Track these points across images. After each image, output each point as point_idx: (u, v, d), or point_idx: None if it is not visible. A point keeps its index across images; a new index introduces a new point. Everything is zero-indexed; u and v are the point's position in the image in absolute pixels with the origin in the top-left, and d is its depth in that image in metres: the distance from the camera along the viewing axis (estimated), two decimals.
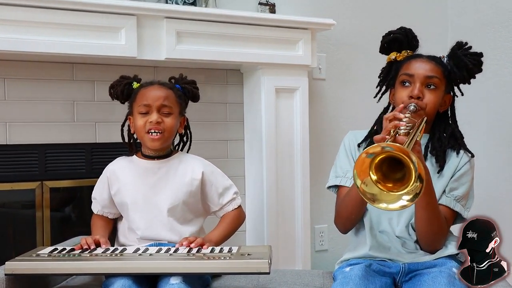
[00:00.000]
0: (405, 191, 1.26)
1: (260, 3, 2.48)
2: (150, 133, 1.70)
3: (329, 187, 1.72)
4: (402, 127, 1.38)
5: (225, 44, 2.23)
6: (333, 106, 2.74)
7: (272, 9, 2.49)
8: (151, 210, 1.72)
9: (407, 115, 1.45)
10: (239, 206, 1.85)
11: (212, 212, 1.85)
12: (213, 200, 1.81)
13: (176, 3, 2.26)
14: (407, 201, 1.26)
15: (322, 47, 2.67)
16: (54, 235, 2.14)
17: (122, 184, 1.76)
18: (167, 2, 2.26)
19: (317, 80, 2.69)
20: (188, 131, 1.91)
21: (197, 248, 1.56)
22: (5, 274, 1.42)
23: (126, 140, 1.85)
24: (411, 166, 1.22)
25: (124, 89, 1.79)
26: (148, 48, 2.11)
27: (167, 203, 1.72)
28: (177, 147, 1.90)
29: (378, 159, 1.26)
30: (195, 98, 1.87)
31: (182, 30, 2.16)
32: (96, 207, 1.82)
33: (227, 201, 1.81)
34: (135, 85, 1.79)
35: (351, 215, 1.61)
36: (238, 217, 1.84)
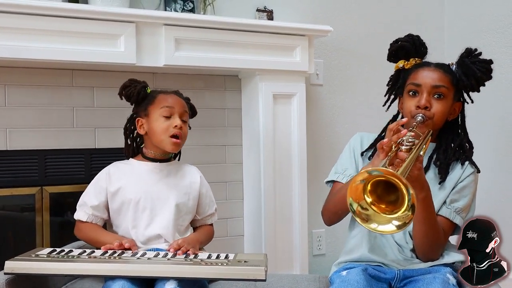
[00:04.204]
0: (395, 215, 1.24)
1: (258, 10, 2.50)
2: (174, 137, 1.75)
3: (327, 182, 1.72)
4: (404, 143, 1.37)
5: (223, 51, 2.25)
6: (330, 112, 2.77)
7: (270, 16, 2.52)
8: (154, 208, 1.74)
9: (411, 130, 1.43)
10: (212, 224, 1.91)
11: (192, 220, 1.86)
12: (200, 208, 1.85)
13: (175, 10, 2.28)
14: (396, 227, 1.25)
15: (320, 53, 2.69)
16: (54, 240, 2.16)
17: (124, 183, 1.76)
18: (165, 10, 2.29)
19: (315, 85, 2.71)
20: None
21: (194, 254, 1.58)
22: (4, 273, 1.45)
23: (129, 143, 1.87)
24: (405, 192, 1.21)
25: (141, 91, 1.80)
26: (147, 55, 2.13)
27: (172, 201, 1.75)
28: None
29: (371, 182, 1.25)
30: (193, 115, 1.94)
31: (181, 37, 2.18)
32: (85, 213, 1.75)
33: (210, 213, 1.88)
34: (148, 90, 1.84)
35: (338, 210, 1.60)
36: (212, 234, 1.89)
